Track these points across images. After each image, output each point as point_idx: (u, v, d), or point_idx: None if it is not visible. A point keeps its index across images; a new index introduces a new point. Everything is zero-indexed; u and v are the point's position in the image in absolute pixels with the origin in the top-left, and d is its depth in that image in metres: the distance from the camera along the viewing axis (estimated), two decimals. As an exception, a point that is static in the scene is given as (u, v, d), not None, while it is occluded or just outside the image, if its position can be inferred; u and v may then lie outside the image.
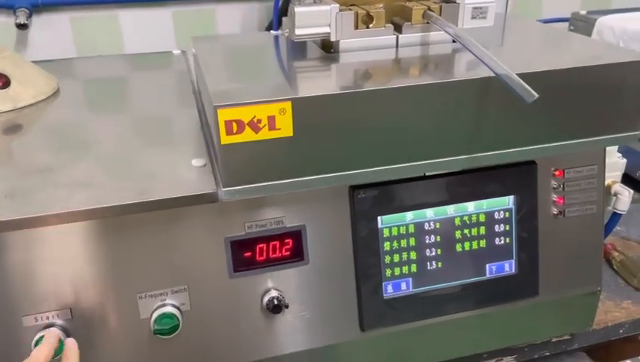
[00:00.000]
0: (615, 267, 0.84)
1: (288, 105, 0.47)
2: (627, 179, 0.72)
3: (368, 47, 0.64)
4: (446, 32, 0.61)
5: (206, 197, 0.49)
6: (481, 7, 0.66)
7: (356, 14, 0.63)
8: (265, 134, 0.48)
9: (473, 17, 0.66)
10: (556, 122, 0.56)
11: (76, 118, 0.66)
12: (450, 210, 0.60)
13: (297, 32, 0.61)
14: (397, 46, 0.65)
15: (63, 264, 0.51)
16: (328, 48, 0.65)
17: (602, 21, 1.11)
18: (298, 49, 0.67)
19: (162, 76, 0.81)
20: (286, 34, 0.72)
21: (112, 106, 0.70)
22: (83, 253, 0.51)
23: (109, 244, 0.52)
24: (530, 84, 0.48)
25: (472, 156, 0.55)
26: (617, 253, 0.84)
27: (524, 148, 0.56)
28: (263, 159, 0.49)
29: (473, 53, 0.55)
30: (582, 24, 1.18)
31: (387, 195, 0.58)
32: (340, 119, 0.50)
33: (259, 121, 0.47)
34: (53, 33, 1.19)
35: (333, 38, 0.63)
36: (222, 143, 0.47)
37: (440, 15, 0.65)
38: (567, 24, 1.24)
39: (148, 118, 0.66)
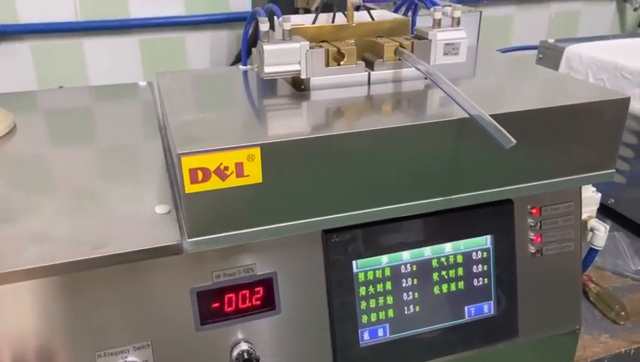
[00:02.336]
0: (592, 299, 0.83)
1: (257, 151, 0.45)
2: (599, 207, 0.71)
3: (340, 85, 0.62)
4: (418, 69, 0.59)
5: (170, 250, 0.46)
6: (453, 44, 0.65)
7: (327, 51, 0.61)
8: (232, 182, 0.45)
9: (445, 54, 0.65)
10: (532, 162, 0.55)
11: (32, 159, 0.63)
12: (427, 251, 0.58)
13: (266, 69, 0.59)
14: (369, 83, 0.63)
15: (12, 322, 0.47)
16: (299, 85, 0.63)
17: (571, 49, 1.12)
18: (268, 86, 0.65)
19: (127, 110, 0.77)
20: (255, 69, 0.70)
21: (71, 144, 0.67)
22: (34, 309, 0.48)
23: (63, 299, 0.48)
24: (504, 124, 0.47)
25: (448, 198, 0.53)
26: (594, 285, 0.84)
27: (500, 189, 0.55)
28: (231, 207, 0.47)
29: (448, 94, 0.53)
30: (550, 52, 1.19)
31: (362, 238, 0.56)
32: (312, 163, 0.48)
33: (226, 168, 0.45)
34: (13, 63, 1.15)
35: (303, 76, 0.61)
36: (186, 192, 0.44)
37: (412, 52, 0.63)
38: (535, 52, 1.25)
39: (110, 157, 0.63)
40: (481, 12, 0.78)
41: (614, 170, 0.58)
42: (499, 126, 0.46)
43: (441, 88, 0.54)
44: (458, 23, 0.65)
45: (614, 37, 1.24)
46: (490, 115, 0.48)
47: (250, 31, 1.22)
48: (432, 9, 0.65)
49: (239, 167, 0.45)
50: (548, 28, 1.54)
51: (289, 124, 0.53)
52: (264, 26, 0.59)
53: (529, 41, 1.49)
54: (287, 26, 0.60)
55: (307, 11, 0.79)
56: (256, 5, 0.90)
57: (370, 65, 0.64)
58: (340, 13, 0.67)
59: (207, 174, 0.44)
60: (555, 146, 0.55)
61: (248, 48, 1.22)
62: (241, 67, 0.71)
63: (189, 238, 0.47)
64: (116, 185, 0.56)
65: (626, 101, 0.55)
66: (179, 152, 0.43)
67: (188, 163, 0.44)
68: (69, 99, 0.85)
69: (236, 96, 0.63)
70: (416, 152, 0.51)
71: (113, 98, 0.85)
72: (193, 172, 0.44)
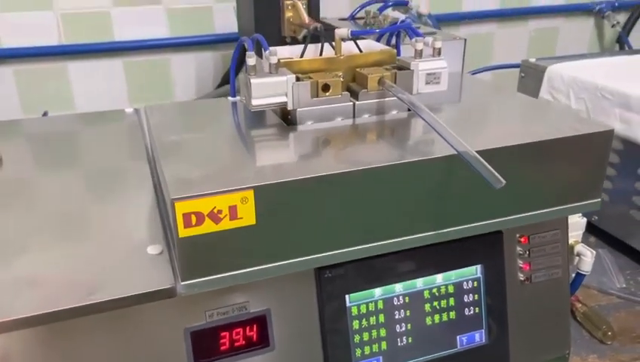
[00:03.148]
0: (579, 319, 0.84)
1: (250, 194, 0.45)
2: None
3: (326, 115, 0.63)
4: (402, 100, 0.60)
5: (163, 293, 0.46)
6: (434, 73, 0.66)
7: (313, 84, 0.62)
8: (226, 224, 0.45)
9: (427, 83, 0.66)
10: (520, 194, 0.56)
11: (18, 196, 0.62)
12: (419, 283, 0.59)
13: (254, 102, 0.60)
14: (354, 113, 0.64)
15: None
16: (286, 115, 0.63)
17: (552, 69, 1.14)
18: (256, 118, 0.65)
19: (115, 141, 0.77)
20: (243, 101, 0.70)
21: (58, 178, 0.66)
22: (22, 359, 0.47)
23: (52, 348, 0.48)
24: (490, 160, 0.47)
25: (438, 232, 0.54)
26: (580, 305, 0.85)
27: (489, 222, 0.56)
28: (224, 249, 0.47)
29: (435, 130, 0.54)
30: (532, 71, 1.21)
31: (354, 273, 0.56)
32: (304, 203, 0.48)
33: (219, 211, 0.45)
34: (-4, 89, 1.14)
35: (290, 107, 0.61)
36: (180, 236, 0.44)
37: (394, 82, 0.64)
38: (517, 70, 1.27)
39: (99, 192, 0.62)
40: (465, 40, 0.80)
41: (600, 200, 0.59)
42: (488, 165, 0.46)
43: (428, 123, 0.55)
44: (439, 53, 0.67)
45: (595, 55, 1.27)
46: (477, 151, 0.49)
47: (239, 52, 1.23)
48: (413, 39, 0.66)
49: (233, 210, 0.45)
50: (528, 44, 1.56)
51: (280, 162, 0.54)
52: (251, 60, 0.60)
53: (511, 58, 1.52)
54: (274, 60, 0.60)
55: (294, 39, 0.79)
56: (243, 30, 0.90)
57: (355, 96, 0.64)
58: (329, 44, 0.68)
59: (200, 218, 0.44)
60: (541, 178, 0.56)
61: (236, 70, 1.23)
62: (230, 99, 0.71)
63: (182, 281, 0.47)
64: (106, 223, 0.56)
65: (610, 133, 0.56)
66: (172, 197, 0.43)
67: (182, 208, 0.44)
68: (55, 128, 0.84)
69: (226, 131, 0.63)
70: (407, 189, 0.51)
71: (100, 127, 0.84)
72: (187, 216, 0.44)
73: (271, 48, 0.61)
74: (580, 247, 0.69)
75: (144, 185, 0.63)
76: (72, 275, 0.47)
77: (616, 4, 1.58)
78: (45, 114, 1.05)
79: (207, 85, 1.28)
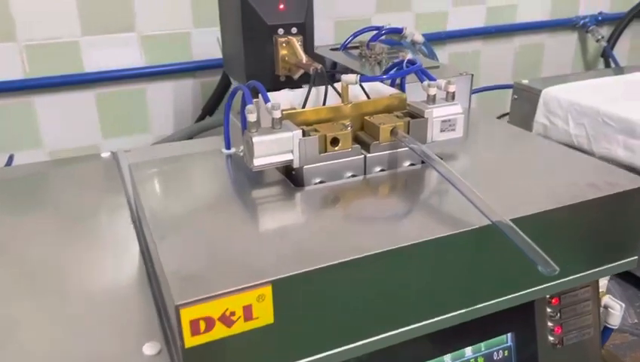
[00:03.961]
0: (597, 364, 0.80)
1: (268, 290, 0.39)
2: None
3: (335, 170, 0.57)
4: (421, 156, 0.55)
5: (168, 411, 0.39)
6: (449, 120, 0.60)
7: (322, 138, 0.55)
8: (240, 327, 0.39)
9: (442, 130, 0.61)
10: (554, 261, 0.50)
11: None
12: (447, 359, 0.53)
13: (256, 162, 0.53)
14: (365, 167, 0.58)
15: None
16: (290, 172, 0.57)
17: (548, 92, 1.10)
18: (256, 175, 0.58)
19: (89, 195, 0.69)
20: (240, 153, 0.63)
21: (36, 253, 0.58)
22: None
23: None
24: (523, 227, 0.42)
25: (470, 309, 0.48)
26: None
27: (523, 293, 0.50)
28: (237, 353, 0.40)
29: (463, 194, 0.48)
30: (525, 93, 1.17)
31: (382, 355, 0.50)
32: (331, 292, 0.42)
33: (232, 313, 0.38)
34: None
35: (296, 165, 0.55)
36: (186, 347, 0.38)
37: (408, 131, 0.59)
38: (508, 96, 1.23)
39: (83, 270, 0.54)
40: (472, 75, 0.75)
41: (637, 258, 0.54)
42: (535, 246, 0.41)
43: (452, 184, 0.49)
44: (453, 97, 0.61)
45: (590, 75, 1.23)
46: (512, 220, 0.44)
47: (220, 79, 1.16)
48: (425, 83, 0.61)
49: (247, 310, 0.38)
50: (514, 61, 1.53)
51: (297, 242, 0.46)
52: (252, 117, 0.53)
53: (497, 75, 1.49)
54: (277, 114, 0.54)
55: (289, 78, 0.73)
56: (230, 67, 0.83)
57: (365, 147, 0.59)
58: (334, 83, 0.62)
59: (210, 323, 0.38)
60: (577, 241, 0.51)
61: (219, 98, 1.16)
62: (224, 151, 0.64)
63: (189, 393, 0.40)
64: (95, 316, 0.48)
65: (650, 188, 0.52)
66: (177, 303, 0.36)
67: (188, 314, 0.37)
68: (23, 181, 0.76)
69: (225, 195, 0.56)
70: (438, 266, 0.46)
71: (71, 177, 0.76)
72: (194, 323, 0.37)
73: (272, 99, 0.55)
74: (607, 300, 0.64)
75: (129, 255, 0.56)
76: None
77: (600, 17, 1.56)
78: (10, 158, 0.96)
79: (187, 115, 1.20)
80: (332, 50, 0.92)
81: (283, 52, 0.72)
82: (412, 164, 0.60)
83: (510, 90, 1.20)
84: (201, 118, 1.15)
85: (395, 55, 0.82)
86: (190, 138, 1.10)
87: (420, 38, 0.94)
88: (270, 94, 0.61)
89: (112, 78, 1.13)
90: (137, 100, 1.16)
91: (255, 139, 0.53)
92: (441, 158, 0.58)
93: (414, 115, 0.60)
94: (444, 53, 1.41)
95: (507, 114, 1.36)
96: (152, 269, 0.52)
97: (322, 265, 0.41)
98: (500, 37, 1.48)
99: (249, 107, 0.53)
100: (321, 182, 0.56)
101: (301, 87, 0.74)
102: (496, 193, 0.52)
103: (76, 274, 0.53)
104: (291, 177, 0.57)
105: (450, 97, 0.61)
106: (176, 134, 1.10)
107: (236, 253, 0.43)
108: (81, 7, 1.06)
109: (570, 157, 0.61)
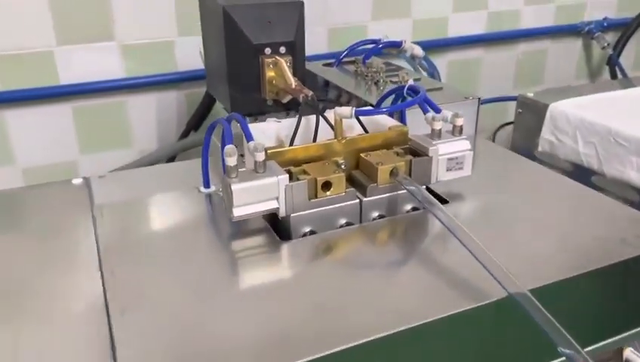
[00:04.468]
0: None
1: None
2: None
3: (327, 218, 0.50)
4: (420, 201, 0.48)
5: None
6: (456, 158, 0.54)
7: (311, 182, 0.49)
8: None
9: (449, 169, 0.54)
10: (580, 329, 0.44)
11: None
12: None
13: (236, 212, 0.46)
14: (361, 213, 0.51)
15: None
16: (276, 219, 0.50)
17: (556, 107, 1.03)
18: (237, 225, 0.51)
19: (53, 239, 0.60)
20: (219, 193, 0.56)
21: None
22: None
23: None
24: (541, 296, 0.36)
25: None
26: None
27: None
28: None
29: (473, 254, 0.41)
30: (531, 107, 1.10)
31: None
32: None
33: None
34: None
35: (282, 214, 0.48)
36: None
37: (410, 171, 0.52)
38: (511, 103, 1.17)
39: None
40: (479, 99, 0.68)
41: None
42: (557, 325, 0.34)
43: (462, 243, 0.43)
44: (460, 132, 0.55)
45: (600, 87, 1.16)
46: (532, 291, 0.37)
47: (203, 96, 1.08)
48: (429, 116, 0.54)
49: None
50: (516, 68, 1.46)
51: (279, 323, 0.39)
52: (231, 160, 0.46)
53: (499, 82, 1.42)
54: (260, 157, 0.47)
55: (277, 102, 0.66)
56: (213, 86, 0.76)
57: (361, 189, 0.52)
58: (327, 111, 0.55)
59: None
60: (602, 306, 0.45)
61: (205, 112, 1.09)
62: (202, 190, 0.57)
63: None
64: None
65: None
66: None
67: None
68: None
69: (201, 251, 0.49)
70: (453, 343, 0.39)
71: (39, 210, 0.68)
72: None
73: (257, 134, 0.48)
74: (629, 353, 0.58)
75: (93, 312, 0.48)
76: None
77: (605, 24, 1.49)
78: (-23, 180, 0.88)
79: (171, 130, 1.13)
80: (325, 65, 0.85)
81: (270, 74, 0.65)
82: (414, 208, 0.53)
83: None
84: (186, 133, 1.08)
85: (393, 74, 0.75)
86: (173, 157, 1.03)
87: (419, 52, 0.87)
88: (254, 126, 0.54)
89: (89, 90, 1.05)
90: (117, 114, 1.09)
91: (234, 187, 0.46)
92: (447, 200, 0.52)
93: (417, 152, 0.53)
94: (443, 61, 1.35)
95: (509, 123, 1.29)
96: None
97: (311, 358, 0.34)
98: (502, 44, 1.42)
99: (228, 149, 0.46)
100: (311, 232, 0.50)
101: (290, 111, 0.68)
102: (511, 250, 0.45)
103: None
104: (277, 226, 0.50)
105: (458, 131, 0.54)
106: (158, 152, 1.03)
107: (203, 342, 0.36)
108: (56, 14, 0.98)
109: (591, 200, 0.55)
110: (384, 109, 0.52)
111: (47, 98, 1.03)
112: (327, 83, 0.78)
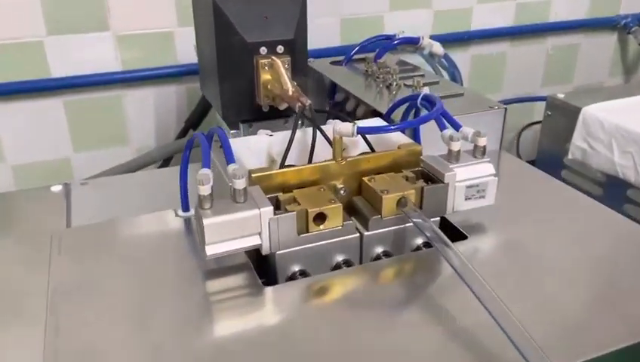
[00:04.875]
0: None
1: None
2: None
3: (319, 255, 0.42)
4: (430, 240, 0.40)
5: None
6: (477, 185, 0.45)
7: (301, 215, 0.41)
8: None
9: (468, 198, 0.45)
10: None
11: None
12: None
13: (209, 250, 0.39)
14: (361, 249, 0.43)
15: None
16: (259, 254, 0.42)
17: (589, 112, 0.93)
18: (215, 261, 0.44)
19: (9, 269, 0.53)
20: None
21: None
22: None
23: None
24: None
25: None
26: None
27: None
28: None
29: (495, 318, 0.33)
30: (561, 110, 1.00)
31: None
32: None
33: None
34: None
35: (265, 252, 0.41)
36: None
37: (421, 201, 0.44)
38: (538, 104, 1.07)
39: None
40: (505, 109, 0.59)
41: None
42: None
43: (480, 301, 0.35)
44: (483, 153, 0.46)
45: (632, 87, 1.06)
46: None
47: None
48: (447, 134, 0.46)
49: None
50: (545, 64, 1.36)
51: None
52: (204, 189, 0.38)
53: (525, 80, 1.32)
54: (240, 184, 0.39)
55: (272, 109, 0.58)
56: (206, 86, 0.68)
57: (362, 221, 0.44)
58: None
59: None
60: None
61: (205, 109, 1.01)
62: (180, 214, 0.50)
63: None
64: None
65: None
66: None
67: None
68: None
69: (168, 293, 0.41)
70: None
71: (5, 228, 0.61)
72: None
73: (234, 166, 0.40)
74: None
75: None
76: None
77: (643, 17, 1.38)
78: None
79: (170, 127, 1.06)
80: (333, 63, 0.77)
81: (265, 77, 0.57)
82: (427, 244, 0.45)
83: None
84: (184, 131, 1.00)
85: (408, 76, 0.67)
86: (170, 157, 0.96)
87: (439, 50, 0.78)
88: (242, 141, 0.46)
89: (83, 84, 0.98)
90: (113, 109, 1.02)
91: (207, 222, 0.38)
92: (465, 234, 0.43)
93: (431, 177, 0.45)
94: (466, 56, 1.25)
95: (536, 123, 1.19)
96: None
97: None
98: (531, 37, 1.31)
99: (201, 174, 0.38)
100: (301, 273, 0.42)
101: (289, 118, 0.60)
102: (540, 309, 0.37)
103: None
104: (262, 262, 0.43)
105: (480, 153, 0.46)
106: (153, 152, 0.96)
107: None
108: (46, 1, 0.91)
109: (637, 237, 0.46)
110: (393, 126, 0.44)
111: (37, 92, 0.97)
112: (334, 85, 0.70)
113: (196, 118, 0.99)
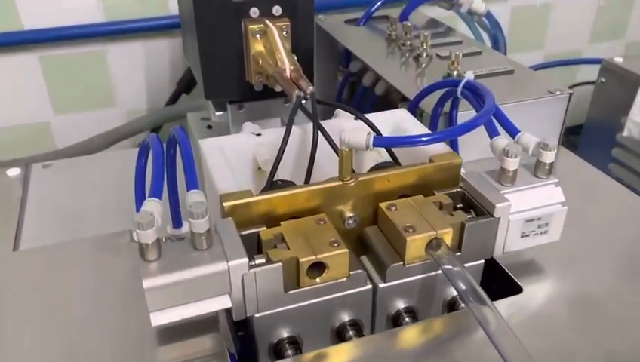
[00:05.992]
0: None
1: None
2: None
3: (315, 315, 0.30)
4: (463, 298, 0.27)
5: None
6: (539, 218, 0.32)
7: (292, 264, 0.28)
8: None
9: (524, 235, 0.33)
10: None
11: None
12: None
13: (154, 319, 0.27)
14: (374, 309, 0.31)
15: None
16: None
17: (653, 83, 0.78)
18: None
19: None
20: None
21: None
22: None
23: None
24: None
25: None
26: None
27: None
28: None
29: None
30: (618, 77, 0.85)
31: None
32: None
33: None
34: None
35: (238, 318, 0.29)
36: None
37: (460, 241, 0.31)
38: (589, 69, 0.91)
39: None
40: (570, 94, 0.45)
41: None
42: None
43: None
44: (549, 171, 0.33)
45: None
46: None
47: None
48: (499, 145, 0.33)
49: None
50: (595, 18, 1.19)
51: None
52: (145, 236, 0.26)
53: (570, 36, 1.16)
54: (201, 227, 0.27)
55: (266, 88, 0.45)
56: (189, 55, 0.55)
57: (378, 267, 0.32)
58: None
59: None
60: None
61: (194, 79, 0.88)
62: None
63: None
64: None
65: None
66: None
67: None
68: None
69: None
70: None
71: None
72: None
73: (195, 192, 0.28)
74: None
75: None
76: None
77: None
78: None
79: (164, 87, 0.93)
80: (348, 22, 0.62)
81: (257, 47, 0.43)
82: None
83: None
84: (176, 95, 0.88)
85: (441, 43, 0.53)
86: (159, 126, 0.84)
87: (480, 8, 0.62)
88: (223, 140, 0.34)
89: (60, 37, 0.85)
90: (96, 66, 0.89)
91: (148, 284, 0.26)
92: (519, 285, 0.31)
93: (474, 205, 0.32)
94: (505, 8, 1.09)
95: (582, 84, 1.03)
96: None
97: None
98: (580, -14, 1.14)
99: (138, 218, 0.26)
100: (290, 342, 0.30)
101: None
102: None
103: None
104: (239, 331, 0.31)
105: (544, 172, 0.33)
106: (142, 120, 0.84)
107: None
108: (12, -61, 0.77)
109: None
110: (425, 138, 0.30)
111: (8, 46, 0.84)
112: (348, 52, 0.56)
113: (189, 79, 0.86)
